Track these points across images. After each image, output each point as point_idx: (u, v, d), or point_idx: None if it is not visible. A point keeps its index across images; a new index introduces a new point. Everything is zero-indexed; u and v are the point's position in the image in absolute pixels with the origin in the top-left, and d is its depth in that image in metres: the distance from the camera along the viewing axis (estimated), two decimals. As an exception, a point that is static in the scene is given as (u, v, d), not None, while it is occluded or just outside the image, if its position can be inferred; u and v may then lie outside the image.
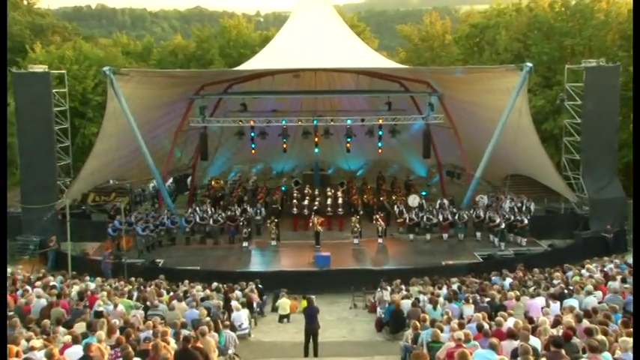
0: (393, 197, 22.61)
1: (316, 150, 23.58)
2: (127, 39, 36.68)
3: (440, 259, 17.51)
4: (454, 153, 23.19)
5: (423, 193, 24.17)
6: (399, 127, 22.43)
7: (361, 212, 21.33)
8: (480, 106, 19.58)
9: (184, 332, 8.36)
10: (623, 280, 11.22)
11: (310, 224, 19.74)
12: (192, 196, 24.72)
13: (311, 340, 10.56)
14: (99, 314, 9.81)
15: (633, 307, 9.10)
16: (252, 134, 22.75)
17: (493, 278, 13.65)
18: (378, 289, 13.63)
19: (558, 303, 10.26)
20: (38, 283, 12.28)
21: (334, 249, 18.30)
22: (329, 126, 22.11)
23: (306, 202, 21.73)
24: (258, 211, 20.91)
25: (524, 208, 20.14)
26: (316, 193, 23.58)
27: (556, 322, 8.50)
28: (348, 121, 21.68)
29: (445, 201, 21.61)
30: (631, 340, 6.72)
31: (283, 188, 25.87)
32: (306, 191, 23.90)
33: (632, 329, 7.21)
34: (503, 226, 18.56)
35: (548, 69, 25.33)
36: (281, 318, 13.50)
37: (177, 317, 9.84)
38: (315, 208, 20.91)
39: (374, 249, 19.03)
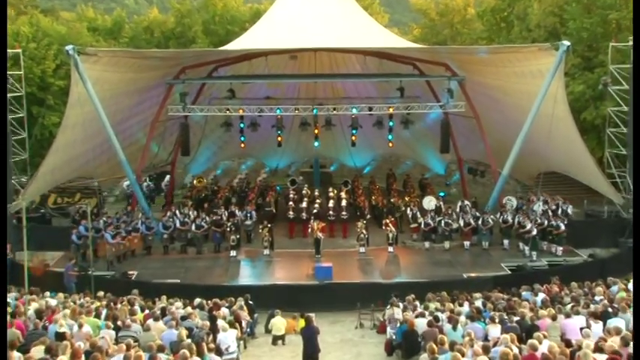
0: (406, 199, 22.61)
1: (316, 144, 23.57)
2: (93, 13, 36.56)
3: (461, 271, 17.52)
4: (477, 147, 23.15)
5: (441, 194, 24.16)
6: (413, 116, 22.40)
7: (368, 216, 21.34)
8: (508, 92, 19.53)
9: (161, 357, 8.29)
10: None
11: (309, 230, 19.73)
12: (170, 198, 24.70)
13: (310, 365, 10.53)
14: (61, 336, 9.76)
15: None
16: (242, 125, 22.74)
17: (523, 294, 13.61)
18: (388, 306, 13.59)
19: (601, 323, 10.22)
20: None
21: (337, 259, 18.30)
22: (331, 116, 22.10)
23: (304, 205, 21.72)
24: (249, 214, 20.90)
25: (559, 212, 20.11)
26: (316, 193, 23.58)
27: (598, 346, 8.44)
28: (354, 110, 21.67)
29: (467, 203, 21.60)
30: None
31: (278, 188, 25.89)
32: (304, 192, 23.88)
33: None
34: (535, 232, 18.54)
35: (588, 48, 25.15)
36: (275, 340, 13.48)
37: (154, 339, 9.79)
38: (315, 211, 20.90)
39: (383, 259, 19.01)
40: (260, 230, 19.67)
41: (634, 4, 15.71)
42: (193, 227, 19.76)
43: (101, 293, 14.05)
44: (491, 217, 19.82)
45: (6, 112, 16.05)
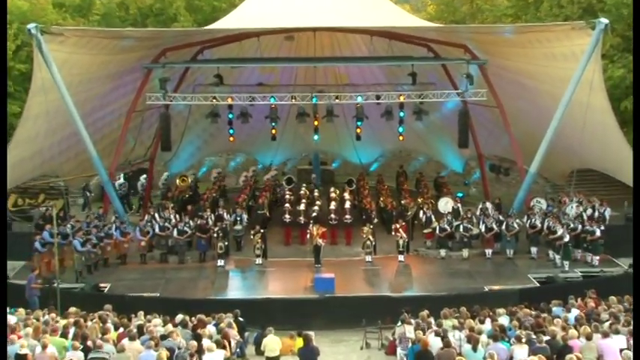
0: (419, 200, 22.59)
1: (316, 137, 23.55)
2: (60, -13, 36.46)
3: (482, 283, 17.48)
4: (500, 141, 23.14)
5: (459, 195, 24.16)
6: (427, 106, 22.38)
7: (375, 220, 21.31)
8: (537, 77, 19.49)
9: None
10: None
11: (308, 236, 19.70)
12: (149, 199, 24.68)
13: (308, 392, 10.51)
14: (22, 358, 9.72)
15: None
16: (230, 116, 22.73)
17: (554, 309, 13.57)
18: (399, 324, 13.55)
19: (643, 343, 10.16)
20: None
21: (340, 269, 18.28)
22: (333, 105, 22.09)
23: (302, 207, 21.69)
24: (239, 218, 20.88)
25: (596, 215, 20.10)
26: (316, 194, 23.55)
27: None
28: (359, 99, 21.64)
29: (488, 205, 21.58)
30: None
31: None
32: (302, 192, 23.84)
33: None
34: (567, 238, 18.50)
35: (629, 26, 25.07)
36: (268, 362, 13.43)
37: (128, 362, 9.75)
38: (315, 214, 20.87)
39: (393, 269, 18.99)
40: (251, 236, 19.64)
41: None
42: (175, 233, 19.72)
43: (70, 309, 14.00)
44: (517, 221, 19.78)
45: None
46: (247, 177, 26.89)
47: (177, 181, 25.42)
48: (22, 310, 13.58)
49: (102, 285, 17.50)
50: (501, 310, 13.70)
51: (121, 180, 23.79)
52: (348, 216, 21.35)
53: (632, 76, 16.34)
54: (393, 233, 19.79)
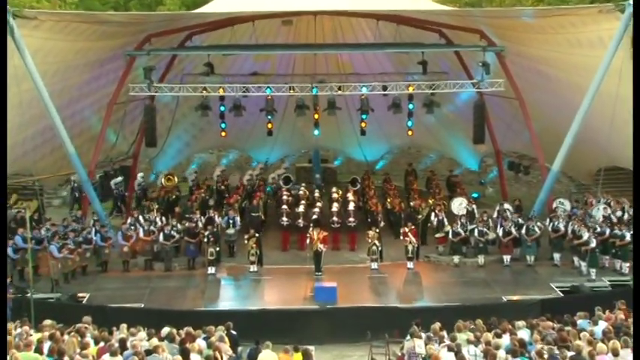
0: (430, 201, 22.58)
1: (316, 132, 23.52)
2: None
3: (499, 293, 17.49)
4: (520, 136, 23.11)
5: (474, 196, 24.14)
6: (439, 97, 22.35)
7: (382, 224, 21.32)
8: (560, 66, 19.45)
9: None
10: None
11: (307, 241, 19.67)
12: (131, 200, 24.68)
13: (308, 413, 10.48)
14: (-9, 375, 9.66)
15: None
16: (222, 108, 22.71)
17: (579, 322, 13.52)
18: (408, 337, 13.48)
19: (679, 359, 10.11)
20: None
21: (342, 277, 18.28)
22: (335, 97, 22.03)
23: (301, 209, 21.69)
24: (231, 221, 20.86)
25: (625, 218, 20.07)
26: (316, 195, 23.56)
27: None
28: (364, 90, 21.62)
29: (507, 207, 21.55)
30: None
31: (268, 189, 25.88)
32: (301, 192, 23.86)
33: None
34: (594, 244, 18.48)
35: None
36: (264, 380, 13.39)
37: (109, 379, 9.70)
38: (315, 217, 20.85)
39: (401, 277, 19.02)
40: (245, 241, 19.64)
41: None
42: (161, 237, 19.72)
43: (45, 322, 13.96)
44: (538, 224, 19.77)
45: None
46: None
47: (163, 180, 25.43)
48: (-8, 323, 13.51)
49: (80, 295, 17.47)
50: (521, 323, 13.61)
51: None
52: (351, 219, 21.32)
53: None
54: (402, 238, 19.77)
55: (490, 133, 23.50)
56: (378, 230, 19.85)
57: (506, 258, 19.66)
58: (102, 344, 12.10)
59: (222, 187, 25.45)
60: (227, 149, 30.32)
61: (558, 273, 18.84)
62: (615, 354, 10.64)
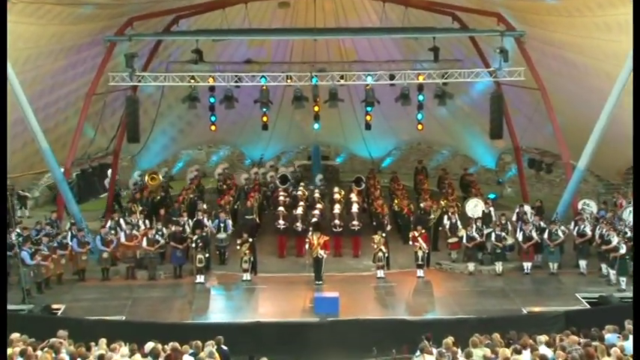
0: (442, 203, 22.56)
1: (316, 126, 23.52)
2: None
3: (519, 304, 17.46)
4: (542, 130, 23.09)
5: (491, 197, 24.12)
6: (452, 88, 22.31)
7: (389, 227, 21.30)
8: (587, 52, 19.41)
9: None
10: None
11: (306, 247, 19.67)
12: (112, 201, 24.64)
13: None
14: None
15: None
16: (212, 100, 22.71)
17: (607, 336, 13.48)
18: (417, 353, 13.46)
19: None
20: None
21: (345, 286, 18.28)
22: (337, 87, 22.01)
23: (299, 211, 21.70)
24: (222, 224, 20.86)
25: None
26: (316, 195, 23.56)
27: None
28: (369, 79, 21.60)
29: (527, 209, 21.55)
30: None
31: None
32: (299, 193, 23.86)
33: None
34: (624, 250, 18.41)
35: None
36: (258, 400, 13.38)
37: (87, 399, 9.68)
38: (315, 220, 20.82)
39: (410, 287, 19.03)
40: (238, 247, 19.61)
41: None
42: (144, 242, 19.71)
43: (14, 335, 13.94)
44: (562, 228, 19.75)
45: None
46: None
47: (147, 179, 25.43)
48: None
49: (55, 306, 17.41)
50: (543, 338, 13.59)
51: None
52: (355, 222, 21.33)
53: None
54: (411, 243, 19.76)
55: (509, 128, 23.47)
56: (384, 235, 19.78)
57: (527, 265, 19.65)
58: (79, 361, 12.07)
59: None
60: (217, 145, 30.30)
61: (584, 282, 18.78)
62: (647, 372, 10.61)
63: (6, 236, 18.19)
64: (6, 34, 15.93)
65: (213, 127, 23.68)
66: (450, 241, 20.52)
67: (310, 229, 20.02)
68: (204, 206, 23.07)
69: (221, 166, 27.89)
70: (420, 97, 22.60)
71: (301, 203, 22.49)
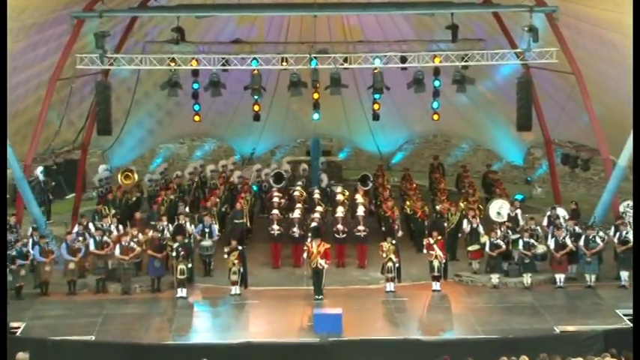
0: (461, 204, 22.58)
1: (316, 116, 23.47)
2: None
3: (551, 323, 17.44)
4: (577, 121, 23.09)
5: (518, 198, 24.14)
6: (473, 72, 22.28)
7: (400, 233, 21.35)
8: (628, 32, 19.30)
9: None
10: None
11: (305, 255, 19.66)
12: (79, 202, 24.64)
13: None
14: None
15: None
16: (195, 86, 22.66)
17: (653, 359, 13.50)
18: (434, 379, 13.54)
19: None
20: None
21: (350, 302, 18.30)
22: (340, 71, 21.96)
23: (296, 214, 21.71)
24: (207, 230, 20.88)
25: None
26: (316, 196, 23.62)
27: None
28: (377, 62, 21.57)
29: (560, 212, 21.56)
30: None
31: (254, 188, 25.91)
32: (296, 193, 23.89)
33: None
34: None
35: None
36: None
37: None
38: (315, 225, 20.84)
39: (424, 302, 19.07)
40: (225, 256, 19.59)
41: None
42: (117, 251, 19.69)
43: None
44: (601, 234, 19.73)
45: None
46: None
47: (120, 177, 25.42)
48: None
49: (14, 325, 17.29)
50: (579, 361, 13.67)
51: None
52: (361, 227, 21.33)
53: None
54: (425, 251, 19.73)
55: (539, 118, 23.44)
56: (394, 242, 19.77)
57: (560, 277, 19.62)
58: (42, 387, 12.08)
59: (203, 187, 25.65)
60: (202, 138, 30.28)
61: (626, 296, 18.55)
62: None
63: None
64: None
65: (196, 118, 23.64)
66: (471, 249, 20.53)
67: (309, 235, 20.04)
68: (186, 209, 23.12)
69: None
70: (436, 83, 22.59)
71: (299, 205, 22.49)
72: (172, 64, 21.29)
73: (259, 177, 26.66)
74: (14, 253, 19.13)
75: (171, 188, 25.05)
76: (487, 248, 19.98)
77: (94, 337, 16.83)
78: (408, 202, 23.51)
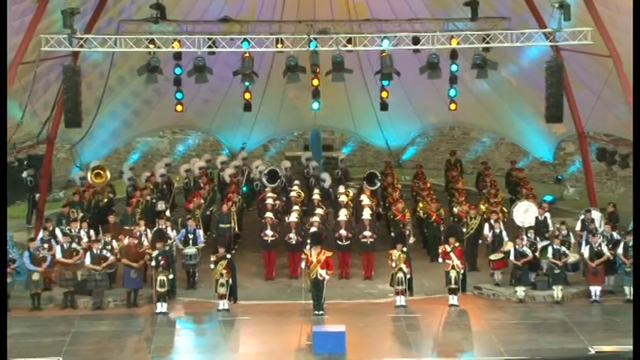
0: (482, 207, 22.63)
1: (315, 105, 23.45)
2: None
3: (585, 342, 17.39)
4: (614, 111, 23.06)
5: (547, 199, 24.16)
6: (495, 55, 22.25)
7: (412, 240, 21.38)
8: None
9: None
10: None
11: (302, 265, 19.62)
12: (44, 204, 24.65)
13: None
14: None
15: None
16: (178, 71, 22.65)
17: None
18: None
19: None
20: None
21: (354, 318, 18.33)
22: (343, 54, 21.93)
23: (293, 218, 21.71)
24: (190, 235, 20.90)
25: None
26: (315, 197, 23.62)
27: None
28: (385, 44, 21.52)
29: (595, 215, 21.58)
30: None
31: (244, 189, 25.91)
32: (293, 194, 23.87)
33: None
34: None
35: None
36: None
37: None
38: (314, 230, 20.80)
39: (440, 318, 19.07)
40: (212, 265, 19.55)
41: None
42: (88, 260, 19.67)
43: None
44: (642, 241, 19.70)
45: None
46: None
47: (89, 175, 25.46)
48: None
49: (-31, 345, 17.41)
50: (617, 386, 13.66)
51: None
52: (367, 232, 21.34)
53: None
54: (441, 260, 19.71)
55: (571, 107, 23.41)
56: (405, 249, 19.75)
57: (595, 290, 19.60)
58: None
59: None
60: (185, 131, 30.24)
61: (671, 312, 18.76)
62: None
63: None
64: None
65: (179, 107, 23.63)
66: (493, 257, 20.55)
67: (308, 241, 20.03)
68: (168, 212, 23.06)
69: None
70: (454, 68, 22.60)
71: (295, 208, 22.48)
72: (151, 45, 21.25)
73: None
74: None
75: (148, 187, 25.03)
76: (512, 257, 20.02)
77: (61, 359, 16.77)
78: (420, 204, 23.56)
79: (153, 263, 19.43)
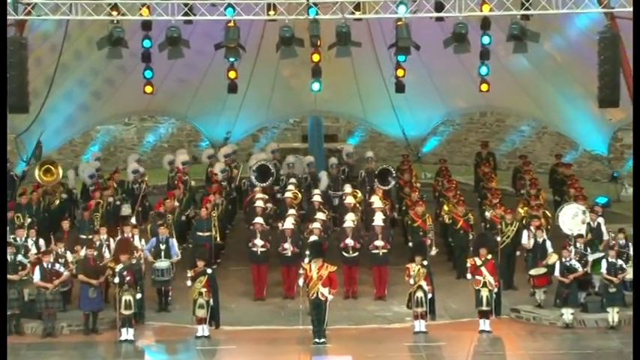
0: (520, 211, 22.78)
1: (315, 86, 23.48)
2: None
3: (645, 376, 17.51)
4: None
5: (601, 202, 24.21)
6: (536, 25, 22.28)
7: (434, 251, 21.51)
8: None
9: None
10: None
11: (300, 282, 19.68)
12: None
13: None
14: None
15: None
16: (147, 44, 22.65)
17: None
18: None
19: None
20: None
21: (364, 347, 18.43)
22: (348, 23, 21.98)
23: (288, 225, 21.79)
24: (163, 246, 21.00)
25: None
26: (315, 199, 23.75)
27: None
28: (401, 11, 21.51)
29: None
30: None
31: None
32: (289, 194, 23.99)
33: None
34: None
35: None
36: None
37: None
38: (314, 239, 20.88)
39: (468, 346, 19.12)
40: (188, 282, 19.66)
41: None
42: (37, 276, 19.77)
43: None
44: None
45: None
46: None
47: (37, 172, 25.72)
48: None
49: None
50: None
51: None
52: (379, 242, 21.45)
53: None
54: (470, 276, 19.84)
55: (629, 89, 23.45)
56: (426, 263, 19.83)
57: (659, 313, 19.71)
58: None
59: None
60: (156, 117, 30.33)
61: None
62: None
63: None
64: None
65: (148, 88, 23.63)
66: (534, 273, 20.62)
67: (306, 253, 20.14)
68: (133, 218, 23.10)
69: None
70: (485, 40, 22.55)
71: (292, 212, 22.59)
72: (114, 12, 21.25)
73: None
74: None
75: (110, 187, 25.09)
76: (557, 272, 20.06)
77: (4, 398, 16.95)
78: (445, 208, 23.62)
79: (116, 280, 19.48)
